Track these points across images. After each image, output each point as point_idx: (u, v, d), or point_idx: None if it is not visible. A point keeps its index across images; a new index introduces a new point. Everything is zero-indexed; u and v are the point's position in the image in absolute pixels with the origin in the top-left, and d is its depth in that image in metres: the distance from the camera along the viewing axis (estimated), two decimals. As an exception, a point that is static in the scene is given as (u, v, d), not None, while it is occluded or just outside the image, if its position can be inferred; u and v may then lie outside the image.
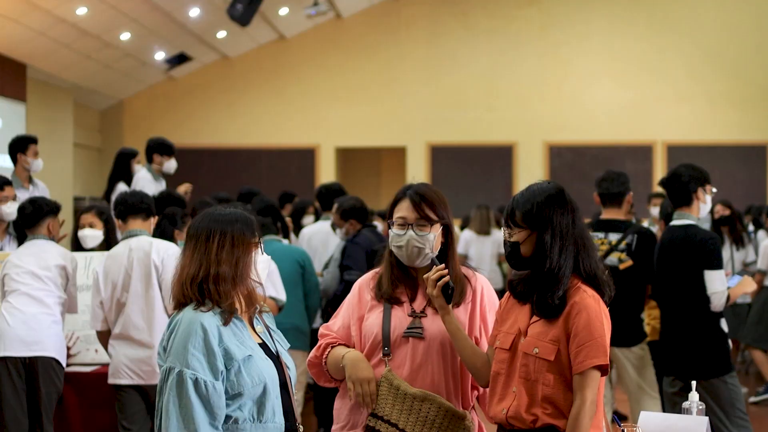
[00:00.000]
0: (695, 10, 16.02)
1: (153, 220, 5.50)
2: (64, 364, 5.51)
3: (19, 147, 7.90)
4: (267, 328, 3.07)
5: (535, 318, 3.10)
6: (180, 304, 2.93)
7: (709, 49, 15.93)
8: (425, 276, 3.24)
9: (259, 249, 3.00)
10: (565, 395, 3.02)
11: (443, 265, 3.25)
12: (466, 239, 11.27)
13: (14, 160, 7.92)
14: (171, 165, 8.50)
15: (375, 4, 16.60)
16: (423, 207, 3.31)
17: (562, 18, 16.31)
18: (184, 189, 8.36)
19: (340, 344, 3.39)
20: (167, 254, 5.22)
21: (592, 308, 3.02)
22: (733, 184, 15.22)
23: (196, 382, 2.79)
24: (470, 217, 11.68)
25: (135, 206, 5.38)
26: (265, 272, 3.04)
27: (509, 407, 3.08)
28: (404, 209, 3.32)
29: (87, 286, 5.90)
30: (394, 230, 3.32)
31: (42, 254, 5.56)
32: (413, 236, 3.29)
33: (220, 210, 3.02)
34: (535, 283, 3.11)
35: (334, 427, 3.39)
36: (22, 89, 13.37)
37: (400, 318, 3.32)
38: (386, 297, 3.33)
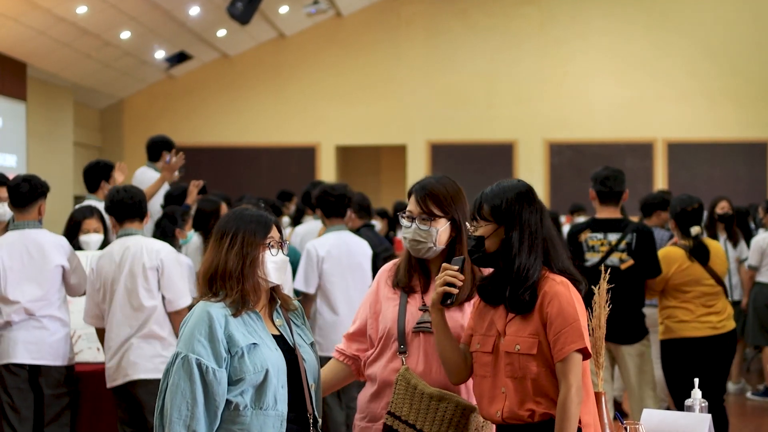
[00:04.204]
0: (695, 7, 16.02)
1: (147, 221, 5.50)
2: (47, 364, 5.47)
3: (104, 174, 7.09)
4: (288, 321, 3.18)
5: (510, 316, 3.10)
6: (201, 296, 3.11)
7: (709, 46, 15.93)
8: (443, 265, 3.23)
9: (269, 251, 3.10)
10: (554, 385, 3.03)
11: (458, 270, 3.19)
12: None
13: (96, 186, 7.06)
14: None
15: (375, 3, 16.60)
16: (427, 202, 3.38)
17: (562, 16, 16.30)
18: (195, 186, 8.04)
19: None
20: (156, 254, 5.23)
21: (562, 294, 3.03)
22: (733, 181, 15.21)
23: (199, 365, 2.94)
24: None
25: (132, 208, 5.37)
26: (279, 272, 3.13)
27: (502, 408, 3.08)
28: (411, 203, 3.43)
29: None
30: (403, 222, 3.43)
31: (38, 254, 5.46)
32: (416, 229, 3.37)
33: (243, 210, 3.18)
34: (503, 283, 3.10)
35: (356, 416, 3.48)
36: (23, 88, 13.38)
37: (412, 313, 3.37)
38: (402, 285, 3.42)
